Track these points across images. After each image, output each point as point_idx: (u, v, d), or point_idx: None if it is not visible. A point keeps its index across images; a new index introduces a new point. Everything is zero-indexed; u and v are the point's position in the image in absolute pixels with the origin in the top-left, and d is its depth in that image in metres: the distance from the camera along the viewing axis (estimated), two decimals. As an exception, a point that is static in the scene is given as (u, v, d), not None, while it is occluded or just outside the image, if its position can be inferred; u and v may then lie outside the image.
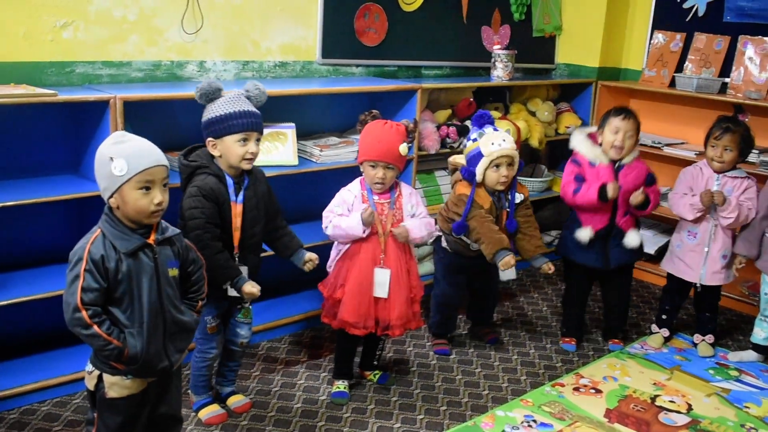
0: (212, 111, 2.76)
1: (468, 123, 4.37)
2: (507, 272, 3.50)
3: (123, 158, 2.11)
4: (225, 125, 2.73)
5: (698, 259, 3.79)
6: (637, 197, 3.56)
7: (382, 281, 3.15)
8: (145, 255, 2.19)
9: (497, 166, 3.38)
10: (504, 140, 3.39)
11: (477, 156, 3.39)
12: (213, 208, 2.74)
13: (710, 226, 3.75)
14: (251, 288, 2.81)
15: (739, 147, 3.66)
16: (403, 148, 3.11)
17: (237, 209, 2.82)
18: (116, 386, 2.23)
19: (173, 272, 2.27)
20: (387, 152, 3.10)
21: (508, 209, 3.49)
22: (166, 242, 2.27)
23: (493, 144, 3.37)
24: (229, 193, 2.80)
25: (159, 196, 2.16)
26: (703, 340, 3.95)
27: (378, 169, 3.12)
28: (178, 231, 2.32)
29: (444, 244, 3.65)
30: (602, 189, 3.55)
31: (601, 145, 3.66)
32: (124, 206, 2.15)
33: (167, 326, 2.24)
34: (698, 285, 3.84)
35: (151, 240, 2.20)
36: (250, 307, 3.09)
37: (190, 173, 2.78)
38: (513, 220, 3.50)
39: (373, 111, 3.24)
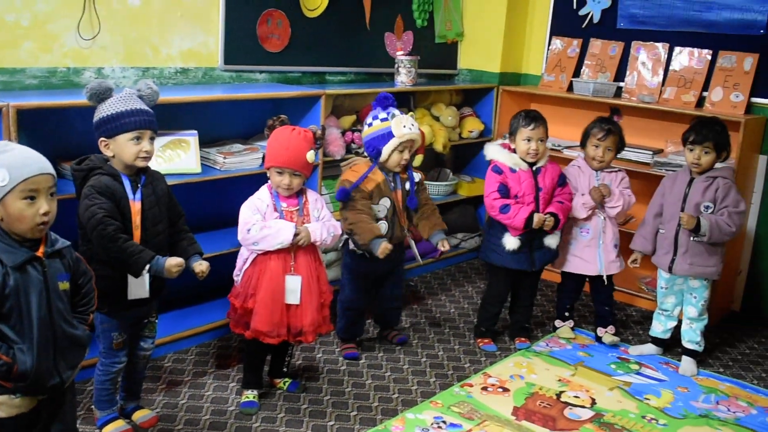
0: (104, 110, 2.69)
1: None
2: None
3: (4, 168, 2.03)
4: (117, 124, 2.66)
5: (594, 252, 3.96)
6: (548, 225, 3.74)
7: (293, 288, 3.14)
8: (33, 268, 2.10)
9: (402, 149, 3.49)
10: (413, 125, 3.56)
11: (387, 135, 3.48)
12: (110, 204, 2.65)
13: (600, 220, 3.95)
14: (174, 261, 2.73)
15: (617, 146, 3.95)
16: (310, 156, 3.11)
17: (136, 207, 2.74)
18: (4, 406, 2.13)
19: (64, 285, 2.19)
20: (294, 159, 3.09)
21: (408, 189, 3.63)
22: (56, 255, 2.18)
23: (404, 127, 3.50)
24: (126, 191, 2.72)
25: (45, 206, 2.08)
26: (606, 332, 4.10)
27: (285, 176, 3.11)
28: (68, 243, 2.24)
29: (352, 246, 3.66)
30: (529, 217, 3.69)
31: (515, 151, 3.80)
32: (9, 218, 2.07)
33: (58, 341, 2.16)
34: (605, 278, 3.98)
35: (40, 253, 2.12)
36: (156, 321, 3.03)
37: (84, 177, 2.69)
38: (414, 198, 3.64)
39: (281, 116, 3.22)
